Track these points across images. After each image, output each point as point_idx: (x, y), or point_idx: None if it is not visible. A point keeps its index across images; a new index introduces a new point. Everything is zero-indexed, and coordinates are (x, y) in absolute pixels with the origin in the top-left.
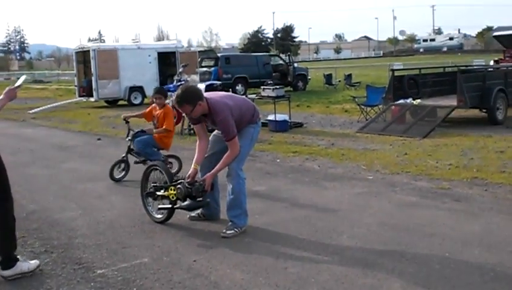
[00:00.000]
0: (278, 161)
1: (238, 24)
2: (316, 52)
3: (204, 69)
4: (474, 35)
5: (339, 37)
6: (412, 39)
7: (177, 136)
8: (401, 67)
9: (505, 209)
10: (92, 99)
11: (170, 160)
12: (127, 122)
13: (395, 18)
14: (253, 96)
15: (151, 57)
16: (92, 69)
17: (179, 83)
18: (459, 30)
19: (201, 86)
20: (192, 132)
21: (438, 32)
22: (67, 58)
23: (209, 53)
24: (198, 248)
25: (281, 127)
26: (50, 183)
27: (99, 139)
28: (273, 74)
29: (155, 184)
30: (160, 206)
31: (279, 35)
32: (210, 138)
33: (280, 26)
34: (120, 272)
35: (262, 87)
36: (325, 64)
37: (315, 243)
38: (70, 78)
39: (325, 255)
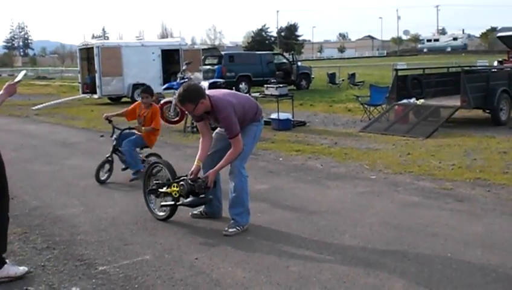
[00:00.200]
0: (281, 159)
1: (242, 22)
2: (320, 51)
3: (208, 67)
4: (478, 35)
5: (342, 36)
6: (416, 39)
7: (180, 134)
8: (405, 67)
9: (507, 210)
10: (95, 96)
11: (151, 158)
12: (110, 121)
13: (399, 18)
14: (257, 94)
15: (154, 54)
16: (96, 66)
17: (182, 81)
18: (463, 30)
19: (205, 84)
20: (195, 129)
21: (442, 32)
22: (70, 55)
23: (212, 51)
24: (200, 246)
25: (284, 125)
26: (53, 180)
27: (102, 136)
28: (277, 73)
29: (157, 181)
30: (162, 203)
31: (282, 33)
32: (213, 136)
33: (284, 24)
34: (122, 269)
35: (265, 85)
36: (328, 63)
37: (317, 242)
38: (74, 75)
39: (327, 254)
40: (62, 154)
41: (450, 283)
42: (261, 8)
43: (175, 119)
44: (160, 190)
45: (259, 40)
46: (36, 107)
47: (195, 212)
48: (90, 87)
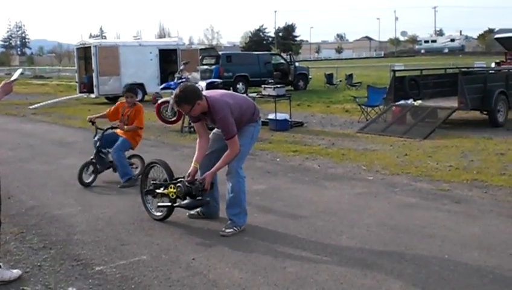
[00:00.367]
0: (278, 160)
1: (240, 22)
2: (317, 52)
3: (205, 67)
4: (476, 37)
5: (340, 37)
6: (413, 40)
7: (178, 134)
8: (402, 68)
9: (504, 211)
10: (92, 95)
11: (134, 160)
12: (93, 123)
13: (396, 19)
14: (254, 94)
15: (152, 54)
16: (93, 66)
17: (179, 81)
18: (460, 32)
19: (202, 84)
20: (192, 129)
21: (440, 33)
22: (68, 54)
23: (210, 51)
24: (197, 246)
25: (282, 126)
26: (49, 179)
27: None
28: (274, 73)
29: (154, 182)
30: (159, 204)
31: (280, 34)
32: (210, 136)
33: (282, 25)
34: (118, 269)
35: (263, 86)
36: (326, 64)
37: (314, 243)
38: (71, 74)
39: (324, 255)
40: (59, 154)
41: (447, 284)
42: (258, 9)
43: (172, 119)
44: (157, 190)
45: (256, 40)
46: (33, 106)
47: (192, 212)
48: (87, 86)
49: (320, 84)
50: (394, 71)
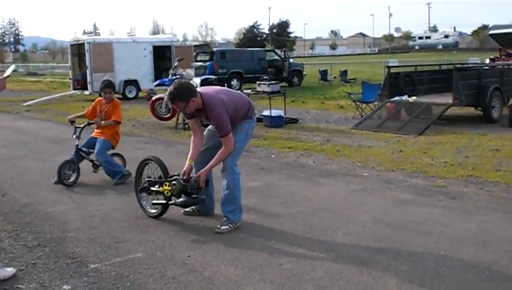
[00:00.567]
0: (273, 156)
1: (234, 19)
2: (312, 48)
3: (200, 63)
4: (470, 33)
5: (334, 33)
6: (408, 36)
7: (172, 130)
8: (397, 64)
9: (500, 207)
10: (86, 92)
11: (115, 159)
12: (73, 123)
13: (390, 15)
14: (249, 91)
15: (146, 50)
16: (87, 62)
17: (174, 77)
18: (454, 28)
19: (197, 80)
20: (186, 126)
21: (434, 29)
22: (62, 50)
23: (204, 47)
24: (192, 243)
25: (276, 122)
26: (43, 177)
27: None
28: (269, 69)
29: (149, 179)
30: (154, 201)
31: (274, 30)
32: (205, 133)
33: (276, 21)
34: (113, 266)
35: (257, 82)
36: (320, 60)
37: (310, 240)
38: (65, 71)
39: (320, 252)
40: (53, 151)
41: (443, 281)
42: (252, 5)
43: (167, 116)
44: (152, 188)
45: (251, 36)
46: (27, 103)
47: (187, 209)
48: (81, 83)
49: (315, 81)
50: (389, 67)
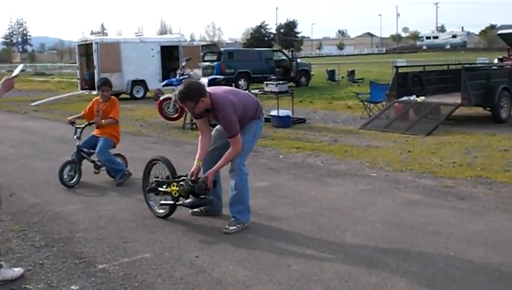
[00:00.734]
0: (281, 156)
1: (241, 19)
2: (319, 48)
3: (207, 63)
4: (478, 33)
5: (341, 33)
6: (415, 36)
7: (180, 130)
8: (405, 64)
9: (509, 208)
10: (94, 92)
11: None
12: (73, 124)
13: (398, 15)
14: (256, 91)
15: (153, 50)
16: (95, 62)
17: (181, 77)
18: (462, 28)
19: (205, 80)
20: (194, 126)
21: (441, 29)
22: (69, 51)
23: (212, 47)
24: (200, 244)
25: (284, 122)
26: (51, 177)
27: None
28: (276, 69)
29: (157, 179)
30: (162, 201)
31: (282, 30)
32: (212, 133)
33: (283, 21)
34: (121, 267)
35: (265, 82)
36: (327, 60)
37: (318, 240)
38: (73, 71)
39: (329, 253)
40: (61, 151)
41: (453, 282)
42: (260, 5)
43: (174, 116)
44: (160, 188)
45: (258, 36)
46: (35, 103)
47: (195, 210)
48: (89, 83)
49: (322, 81)
50: (397, 67)
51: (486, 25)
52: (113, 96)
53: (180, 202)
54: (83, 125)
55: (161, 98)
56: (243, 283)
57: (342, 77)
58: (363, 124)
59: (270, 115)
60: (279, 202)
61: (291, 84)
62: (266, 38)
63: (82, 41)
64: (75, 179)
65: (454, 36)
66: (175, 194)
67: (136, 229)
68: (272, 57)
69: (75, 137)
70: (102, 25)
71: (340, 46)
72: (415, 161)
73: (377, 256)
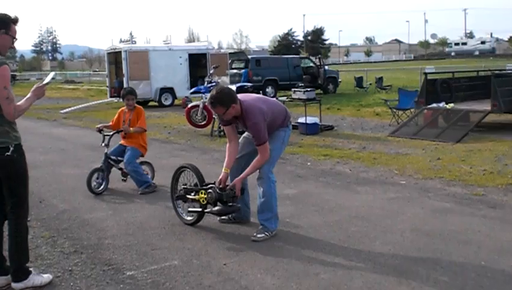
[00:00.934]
0: (309, 164)
1: (268, 26)
2: (346, 55)
3: (235, 71)
4: (507, 39)
5: (369, 40)
6: (444, 43)
7: (208, 137)
8: (433, 70)
9: None
10: None
11: (144, 167)
12: (101, 131)
13: (426, 21)
14: (284, 98)
15: (182, 58)
16: (124, 70)
17: (209, 85)
18: (491, 34)
19: (233, 88)
20: (222, 133)
21: (470, 36)
22: (98, 59)
23: (239, 55)
24: (228, 251)
25: (312, 130)
26: (80, 183)
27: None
28: (304, 77)
29: (185, 186)
30: (190, 209)
31: (309, 37)
32: (240, 140)
33: (310, 28)
34: (150, 274)
35: (293, 89)
36: (355, 67)
37: (347, 249)
38: (102, 79)
39: (358, 262)
40: (90, 158)
41: None
42: (287, 12)
43: (202, 123)
44: (188, 196)
45: (285, 44)
46: (64, 110)
47: (223, 217)
48: (118, 91)
49: (350, 88)
50: (426, 74)
51: None
52: (138, 106)
53: (208, 210)
54: (111, 133)
55: (189, 105)
56: None
57: (370, 84)
58: (392, 131)
59: (298, 122)
60: (307, 209)
61: (319, 91)
62: (293, 46)
63: (111, 49)
64: (102, 186)
65: (483, 42)
66: (203, 201)
67: (164, 237)
68: (300, 64)
69: (103, 145)
70: (131, 33)
71: (368, 53)
72: (444, 168)
73: (407, 265)
